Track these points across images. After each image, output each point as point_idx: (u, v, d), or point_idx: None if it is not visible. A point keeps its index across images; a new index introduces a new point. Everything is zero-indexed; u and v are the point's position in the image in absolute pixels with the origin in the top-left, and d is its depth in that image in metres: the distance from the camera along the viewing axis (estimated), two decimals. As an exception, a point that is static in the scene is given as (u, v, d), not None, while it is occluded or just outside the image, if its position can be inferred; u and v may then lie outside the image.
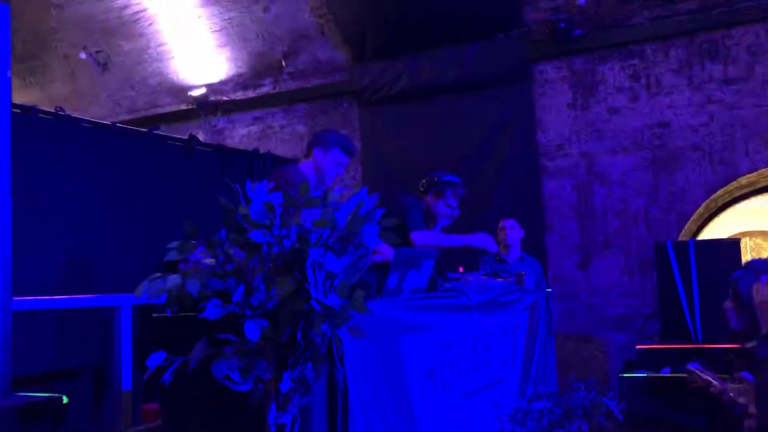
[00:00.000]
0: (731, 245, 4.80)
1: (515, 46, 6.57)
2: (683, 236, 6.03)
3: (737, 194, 6.33)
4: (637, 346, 4.71)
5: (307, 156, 3.67)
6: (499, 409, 3.72)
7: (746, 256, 8.20)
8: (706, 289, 4.60)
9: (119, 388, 3.53)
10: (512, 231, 5.51)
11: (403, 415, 2.81)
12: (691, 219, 6.07)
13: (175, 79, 8.13)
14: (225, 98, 7.98)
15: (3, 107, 2.35)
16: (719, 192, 6.00)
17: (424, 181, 4.53)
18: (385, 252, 3.52)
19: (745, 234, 8.87)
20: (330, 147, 3.61)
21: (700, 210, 6.10)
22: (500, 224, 5.56)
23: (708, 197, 5.97)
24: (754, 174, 5.89)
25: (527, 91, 6.56)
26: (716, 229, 6.64)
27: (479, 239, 4.23)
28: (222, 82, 7.96)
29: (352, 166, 6.97)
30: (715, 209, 6.43)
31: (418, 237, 4.01)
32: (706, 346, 4.42)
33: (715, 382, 3.23)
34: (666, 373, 4.21)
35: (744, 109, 5.81)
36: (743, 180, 5.97)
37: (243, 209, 2.04)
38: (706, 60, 5.94)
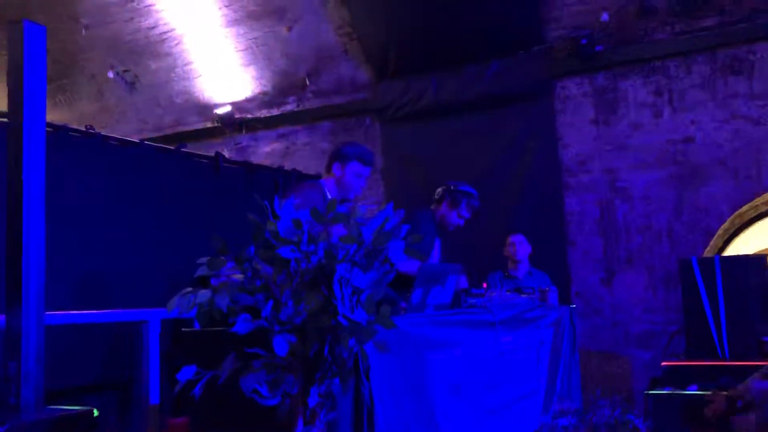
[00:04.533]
0: (757, 261, 4.76)
1: (537, 63, 6.59)
2: (708, 252, 5.97)
3: (763, 209, 6.26)
4: (663, 363, 4.67)
5: (327, 172, 3.72)
6: (523, 425, 3.71)
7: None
8: (732, 306, 4.56)
9: (147, 402, 3.58)
10: (521, 246, 5.53)
11: (428, 431, 2.82)
12: (716, 235, 6.01)
13: (201, 97, 8.25)
14: (250, 116, 8.08)
15: (39, 126, 2.43)
16: (745, 207, 5.94)
17: (439, 190, 4.58)
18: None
19: (771, 250, 8.75)
20: (347, 160, 3.64)
21: (725, 226, 6.05)
22: (508, 239, 5.58)
23: (733, 213, 5.91)
24: (781, 189, 5.83)
25: (549, 107, 6.56)
26: (742, 245, 6.56)
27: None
28: (247, 100, 8.06)
29: (374, 184, 7.01)
30: (740, 225, 6.35)
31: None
32: (734, 363, 4.38)
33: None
34: (693, 390, 4.17)
35: (769, 124, 5.77)
36: (769, 195, 5.92)
37: (271, 225, 2.08)
38: (729, 75, 5.91)
